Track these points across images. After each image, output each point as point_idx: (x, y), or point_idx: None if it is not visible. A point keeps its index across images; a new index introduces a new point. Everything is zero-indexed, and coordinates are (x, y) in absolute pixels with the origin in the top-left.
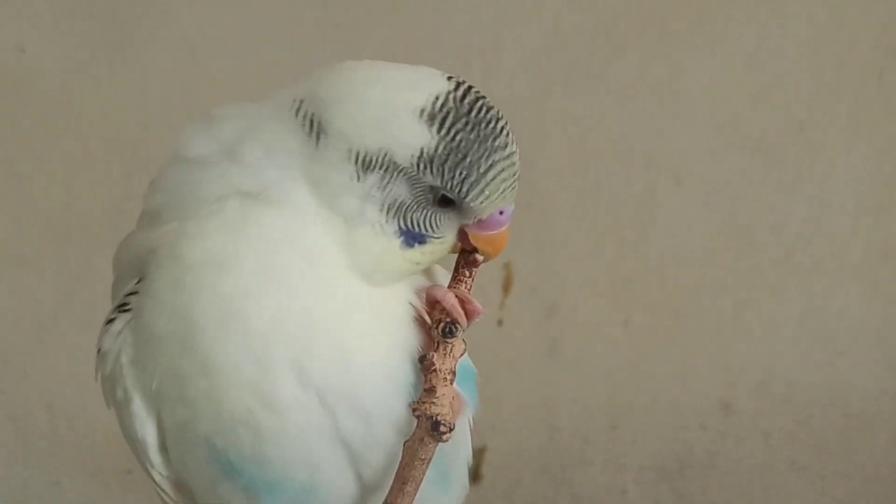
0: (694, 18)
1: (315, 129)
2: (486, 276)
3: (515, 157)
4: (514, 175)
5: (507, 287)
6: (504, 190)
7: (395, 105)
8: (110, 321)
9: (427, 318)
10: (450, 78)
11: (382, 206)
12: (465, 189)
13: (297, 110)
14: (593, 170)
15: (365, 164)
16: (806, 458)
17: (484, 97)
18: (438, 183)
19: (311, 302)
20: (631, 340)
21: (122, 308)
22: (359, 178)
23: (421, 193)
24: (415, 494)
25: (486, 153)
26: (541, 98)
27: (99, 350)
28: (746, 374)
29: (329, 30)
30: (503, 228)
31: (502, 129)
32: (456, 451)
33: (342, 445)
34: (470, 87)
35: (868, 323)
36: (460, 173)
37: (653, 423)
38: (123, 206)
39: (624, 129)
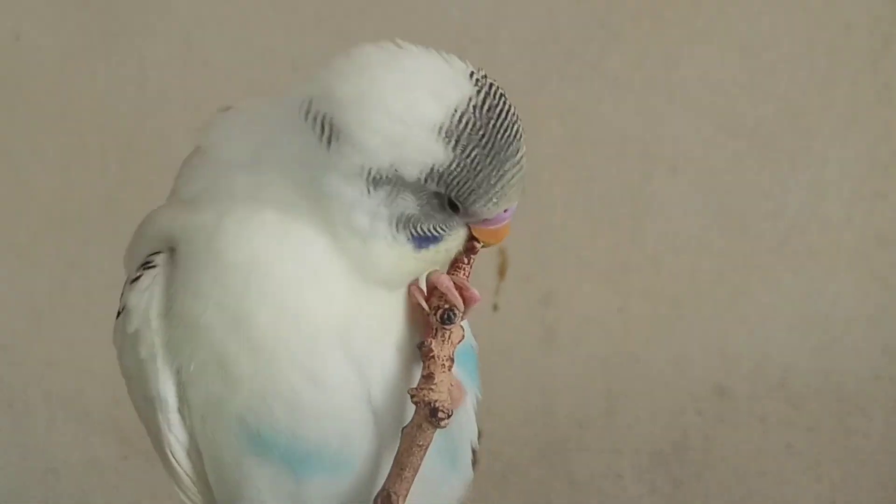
0: (689, 7)
1: (326, 132)
2: (481, 261)
3: (524, 160)
4: (522, 177)
5: (502, 272)
6: (511, 194)
7: (413, 121)
8: (136, 279)
9: (425, 304)
10: (474, 76)
11: (391, 220)
12: (472, 199)
13: (307, 112)
14: (589, 158)
15: (375, 181)
16: (801, 442)
17: (504, 98)
18: (444, 191)
19: (344, 292)
20: (626, 326)
21: (146, 265)
22: (368, 194)
23: (426, 201)
24: (412, 481)
25: (499, 165)
26: (537, 87)
27: (122, 309)
28: (742, 360)
29: (325, 20)
30: (506, 222)
31: (517, 133)
32: (462, 434)
33: (373, 416)
34: (492, 89)
35: (863, 308)
36: (469, 187)
37: (649, 408)
38: (119, 193)
39: (619, 118)
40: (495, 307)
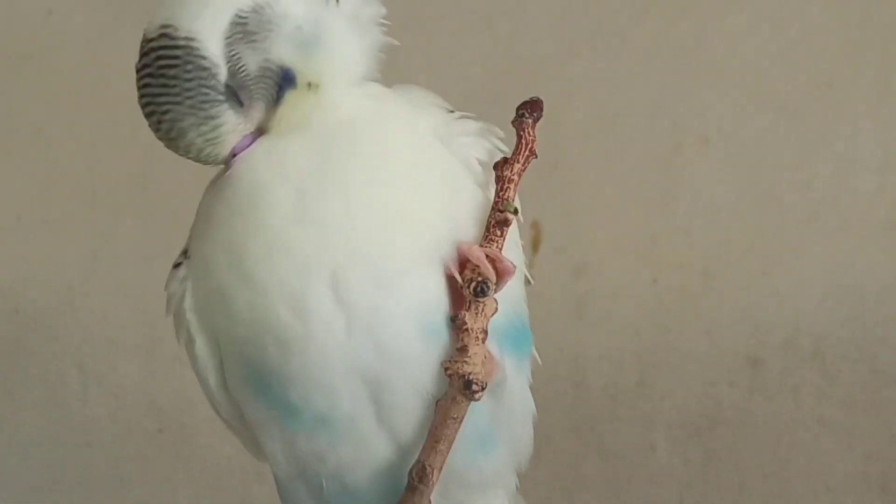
0: None
1: None
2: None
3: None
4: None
5: (535, 245)
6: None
7: None
8: (177, 265)
9: (459, 276)
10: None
11: None
12: None
13: None
14: (620, 130)
15: None
16: (834, 413)
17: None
18: None
19: (349, 223)
20: (659, 298)
21: (186, 253)
22: None
23: None
24: (447, 453)
25: None
26: (567, 59)
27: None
28: (774, 331)
29: None
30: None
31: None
32: (497, 412)
33: (361, 382)
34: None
35: (895, 278)
36: None
37: (681, 380)
38: (150, 168)
39: (649, 90)
40: (528, 281)
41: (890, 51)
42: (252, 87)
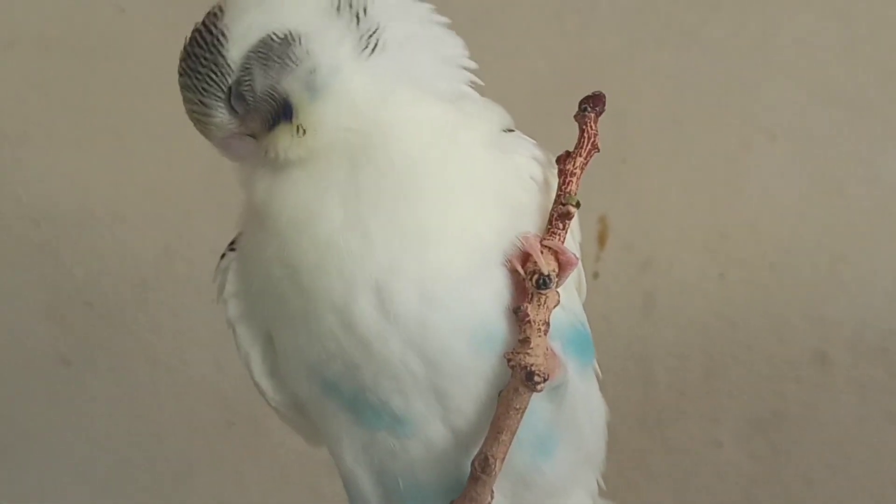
0: None
1: None
2: (582, 230)
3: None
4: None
5: (602, 240)
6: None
7: None
8: (222, 256)
9: (521, 269)
10: None
11: None
12: None
13: None
14: (687, 125)
15: None
16: None
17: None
18: None
19: (390, 236)
20: (726, 294)
21: (231, 246)
22: None
23: None
24: (509, 444)
25: None
26: (635, 54)
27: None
28: (841, 327)
29: None
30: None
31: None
32: (557, 416)
33: (423, 388)
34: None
35: None
36: None
37: (748, 375)
38: (222, 163)
39: (717, 86)
40: (595, 275)
41: None
42: (251, 104)
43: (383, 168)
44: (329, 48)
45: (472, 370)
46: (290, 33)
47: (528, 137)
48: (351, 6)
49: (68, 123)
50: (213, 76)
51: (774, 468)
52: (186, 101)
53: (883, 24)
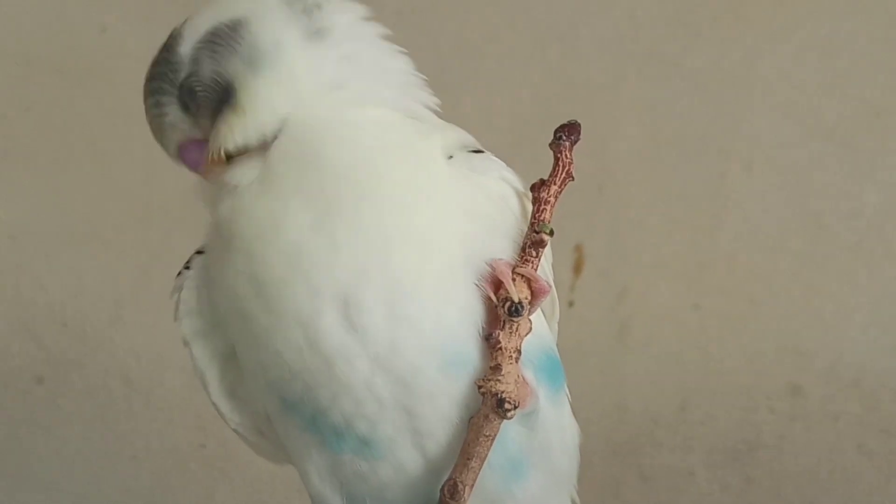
0: (769, 6)
1: None
2: (557, 257)
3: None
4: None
5: (577, 269)
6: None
7: None
8: (178, 274)
9: (493, 296)
10: None
11: None
12: None
13: None
14: (666, 155)
15: None
16: (874, 442)
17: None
18: None
19: (363, 237)
20: (701, 324)
21: (187, 265)
22: None
23: None
24: (479, 471)
25: None
26: (616, 83)
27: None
28: (816, 359)
29: (406, 14)
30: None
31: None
32: (530, 441)
33: (392, 410)
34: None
35: None
36: None
37: (722, 405)
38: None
39: (698, 116)
40: (571, 303)
41: None
42: (199, 94)
43: (340, 170)
44: (275, 28)
45: (443, 391)
46: (239, 20)
47: (497, 159)
48: (305, 1)
49: (48, 142)
50: (167, 74)
51: (747, 498)
52: (145, 108)
53: (863, 56)
